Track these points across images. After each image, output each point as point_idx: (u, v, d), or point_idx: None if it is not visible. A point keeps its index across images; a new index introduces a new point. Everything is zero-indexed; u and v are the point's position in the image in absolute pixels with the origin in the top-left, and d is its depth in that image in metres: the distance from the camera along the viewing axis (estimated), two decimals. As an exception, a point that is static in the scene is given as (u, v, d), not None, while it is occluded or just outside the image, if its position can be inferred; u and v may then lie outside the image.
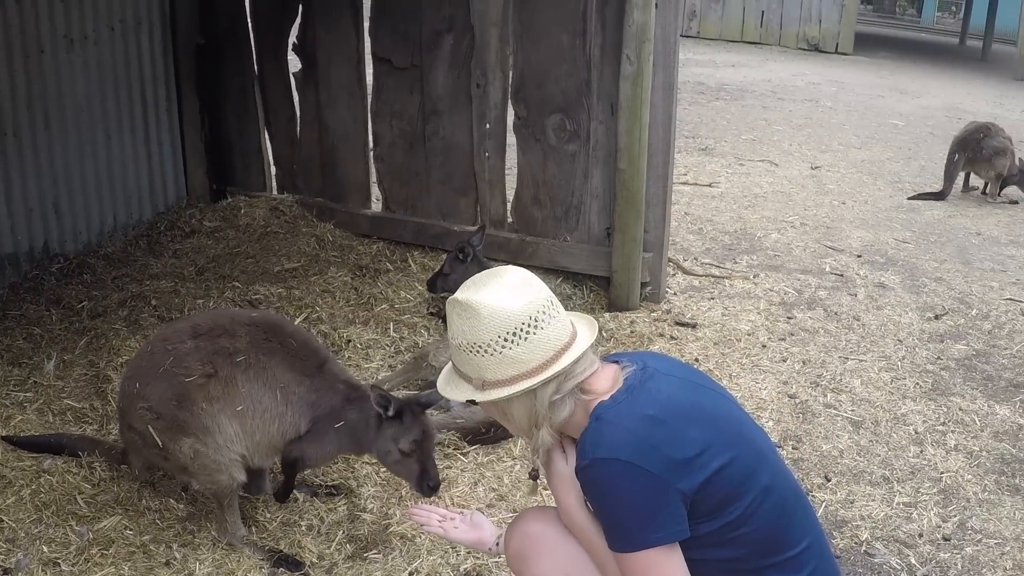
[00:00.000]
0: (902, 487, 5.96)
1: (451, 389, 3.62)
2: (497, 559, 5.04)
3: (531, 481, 3.85)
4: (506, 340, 3.36)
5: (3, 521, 5.23)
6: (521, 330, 3.37)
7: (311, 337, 5.26)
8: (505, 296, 3.40)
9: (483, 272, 3.56)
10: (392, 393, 4.84)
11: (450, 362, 3.66)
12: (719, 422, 3.47)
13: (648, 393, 3.41)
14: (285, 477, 5.25)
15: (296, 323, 7.18)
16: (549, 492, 3.74)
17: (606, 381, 3.51)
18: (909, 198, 12.76)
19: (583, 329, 3.58)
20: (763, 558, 3.44)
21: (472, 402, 3.62)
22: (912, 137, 16.51)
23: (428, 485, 4.69)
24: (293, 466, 5.15)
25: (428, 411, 5.00)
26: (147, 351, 5.17)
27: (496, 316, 3.37)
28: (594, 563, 3.61)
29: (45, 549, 5.05)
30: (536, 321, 3.39)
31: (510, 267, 3.57)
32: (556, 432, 3.53)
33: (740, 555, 3.42)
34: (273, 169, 9.90)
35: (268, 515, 5.48)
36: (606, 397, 3.42)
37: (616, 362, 3.61)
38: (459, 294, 3.47)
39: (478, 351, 3.40)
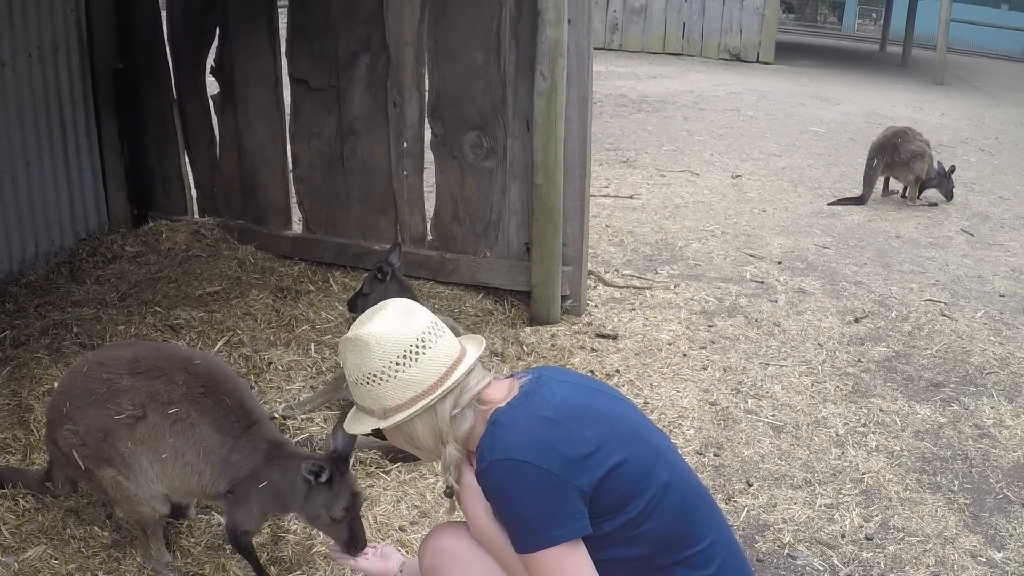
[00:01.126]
0: (824, 489, 6.04)
1: (356, 425, 3.75)
2: None
3: (448, 499, 3.90)
4: (398, 364, 3.51)
5: None
6: (411, 352, 3.52)
7: (248, 395, 5.20)
8: (390, 324, 3.56)
9: (369, 309, 3.71)
10: (320, 458, 4.76)
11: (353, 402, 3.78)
12: (613, 422, 3.59)
13: (542, 397, 3.53)
14: (246, 560, 5.16)
15: (218, 347, 7.21)
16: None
17: (502, 391, 3.64)
18: (829, 204, 12.90)
19: (471, 345, 3.73)
20: (668, 555, 3.53)
21: (379, 434, 3.74)
22: (832, 143, 16.69)
23: (355, 547, 4.64)
24: (236, 543, 5.08)
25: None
26: (82, 371, 5.11)
27: (385, 343, 3.52)
28: (505, 573, 3.69)
29: None
30: (423, 342, 3.54)
31: (392, 299, 3.74)
32: (462, 447, 3.63)
33: (645, 553, 3.51)
34: (194, 193, 9.84)
35: (192, 540, 5.48)
36: (503, 404, 3.54)
37: (512, 376, 3.73)
38: (349, 332, 3.63)
39: (374, 380, 3.54)
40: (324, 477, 4.67)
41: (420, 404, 3.53)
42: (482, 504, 3.63)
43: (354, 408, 3.78)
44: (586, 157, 8.09)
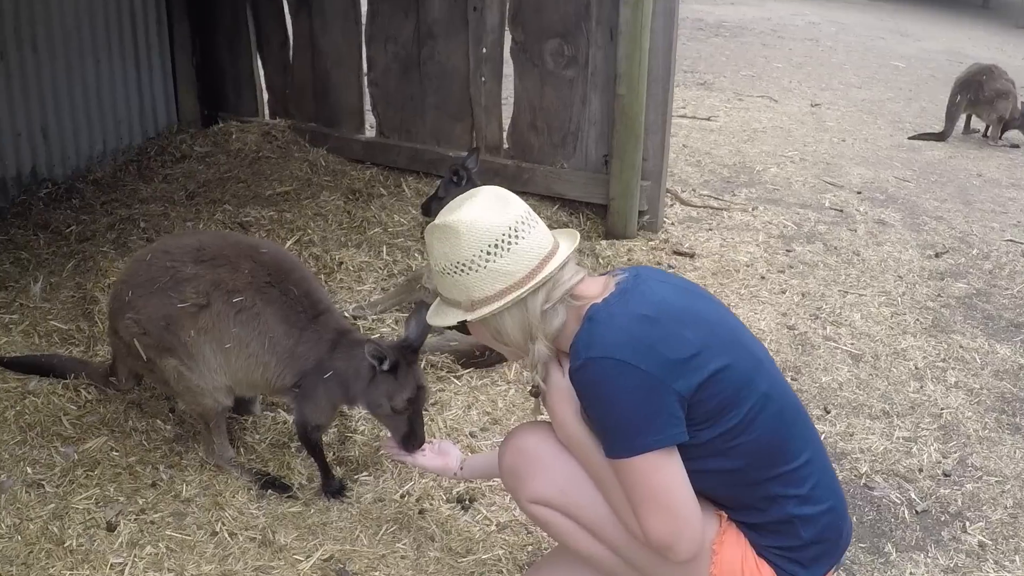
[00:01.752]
0: (902, 422, 5.88)
1: (440, 317, 3.57)
2: (489, 483, 5.00)
3: (534, 399, 3.71)
4: (489, 253, 3.31)
5: None
6: (503, 241, 3.32)
7: (315, 285, 5.06)
8: (482, 211, 3.36)
9: (458, 196, 3.51)
10: (385, 344, 4.61)
11: (437, 293, 3.60)
12: (714, 326, 3.38)
13: (641, 295, 3.33)
14: (312, 457, 5.04)
15: (288, 246, 7.09)
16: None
17: (596, 288, 3.45)
18: (910, 138, 12.64)
19: (564, 239, 3.53)
20: (763, 470, 3.36)
21: (463, 328, 3.56)
22: (912, 79, 16.37)
23: (412, 444, 4.51)
24: (306, 439, 4.96)
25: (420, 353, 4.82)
26: (146, 259, 4.99)
27: (476, 230, 3.32)
28: (591, 478, 3.52)
29: (29, 470, 4.95)
30: (516, 231, 3.34)
31: (483, 187, 3.53)
32: (551, 344, 3.45)
33: (740, 466, 3.34)
34: (265, 95, 9.76)
35: (257, 436, 5.39)
36: (598, 300, 3.34)
37: (607, 273, 3.55)
38: (437, 219, 3.43)
39: (462, 269, 3.35)
40: (386, 364, 4.53)
41: (511, 296, 3.34)
42: (570, 405, 3.46)
43: (438, 300, 3.60)
44: (670, 70, 7.89)
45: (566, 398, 3.46)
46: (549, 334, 3.41)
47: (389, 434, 4.69)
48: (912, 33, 21.26)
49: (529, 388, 3.64)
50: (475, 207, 3.36)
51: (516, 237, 3.32)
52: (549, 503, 3.61)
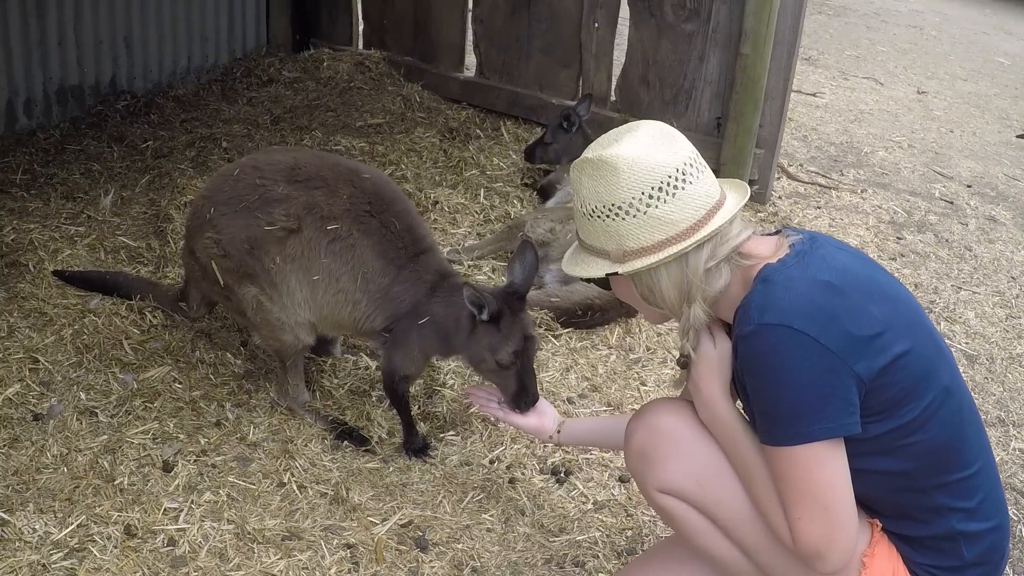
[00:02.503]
0: (1018, 432, 5.55)
1: (580, 267, 3.14)
2: (586, 454, 4.71)
3: (680, 370, 3.29)
4: (651, 197, 2.89)
5: (39, 362, 4.91)
6: (668, 184, 2.89)
7: (418, 220, 4.69)
8: (646, 148, 2.92)
9: (614, 129, 3.07)
10: (485, 290, 4.22)
11: (575, 239, 3.19)
12: (898, 304, 2.97)
13: (822, 259, 2.92)
14: (396, 410, 4.72)
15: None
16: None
17: (767, 247, 3.02)
18: (1018, 136, 12.16)
19: (732, 189, 3.09)
20: (932, 476, 2.97)
21: (603, 282, 3.17)
22: (1019, 76, 15.92)
23: (525, 402, 4.11)
24: (392, 390, 4.62)
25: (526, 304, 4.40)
26: (233, 175, 4.63)
27: (638, 170, 2.89)
28: (734, 468, 3.12)
29: (83, 396, 4.74)
30: (684, 175, 2.91)
31: (644, 121, 3.08)
32: (709, 308, 3.03)
33: (907, 469, 2.95)
34: (361, 24, 9.49)
35: (335, 381, 5.11)
36: (773, 260, 2.91)
37: (778, 233, 3.10)
38: (589, 152, 3.00)
39: (618, 213, 2.93)
40: (486, 314, 4.15)
41: (672, 249, 2.91)
42: (719, 381, 3.09)
43: (576, 246, 3.19)
44: (797, 33, 7.48)
45: (715, 372, 3.10)
46: (709, 296, 3.00)
47: (478, 383, 4.40)
48: (1016, 32, 20.75)
49: (678, 358, 3.22)
50: (638, 142, 2.93)
51: (683, 181, 2.89)
52: (681, 494, 3.22)
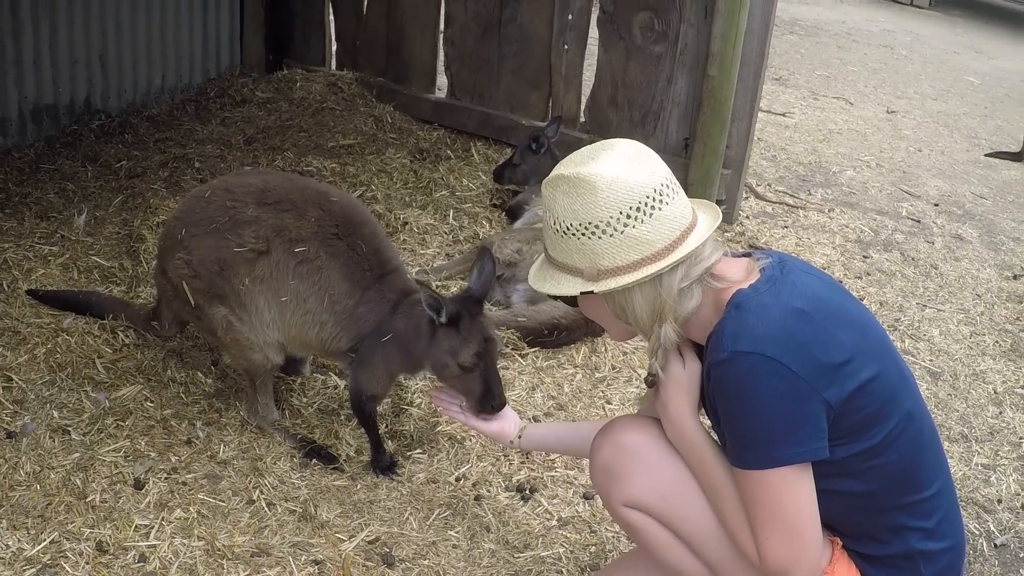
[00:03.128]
0: (981, 447, 5.63)
1: (552, 284, 3.14)
2: (551, 471, 4.77)
3: (648, 389, 3.31)
4: (628, 217, 2.92)
5: (12, 380, 4.94)
6: (646, 204, 2.92)
7: (386, 242, 4.74)
8: (624, 167, 2.95)
9: (587, 147, 3.11)
10: (443, 295, 4.31)
11: (542, 255, 3.22)
12: (865, 330, 3.04)
13: (792, 285, 2.96)
14: (364, 428, 4.75)
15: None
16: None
17: (739, 270, 3.06)
18: (986, 155, 12.27)
19: (703, 210, 3.13)
20: (893, 497, 3.04)
21: (571, 301, 3.23)
22: (988, 96, 16.04)
23: (491, 405, 4.13)
24: (359, 409, 4.67)
25: (486, 308, 4.48)
26: (204, 196, 4.69)
27: (616, 189, 2.91)
28: (702, 486, 3.18)
29: (56, 414, 4.77)
30: (660, 195, 2.94)
31: (618, 139, 3.12)
32: (680, 329, 3.07)
33: (871, 490, 3.01)
34: (334, 45, 9.54)
35: (304, 400, 5.16)
36: (744, 285, 2.97)
37: (748, 255, 3.14)
38: (564, 170, 3.02)
39: (594, 232, 2.95)
40: (444, 316, 4.19)
41: (647, 270, 2.95)
42: (688, 401, 3.16)
43: (547, 262, 3.20)
44: (764, 54, 7.57)
45: (684, 392, 3.16)
46: (680, 317, 3.05)
47: (442, 385, 4.39)
48: (986, 50, 20.88)
49: (645, 376, 3.27)
50: (615, 161, 2.97)
51: (660, 202, 2.94)
52: (646, 509, 3.26)
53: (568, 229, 2.99)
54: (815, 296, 2.97)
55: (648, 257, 2.94)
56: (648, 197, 2.91)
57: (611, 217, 2.91)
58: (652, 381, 3.22)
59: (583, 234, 2.96)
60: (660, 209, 2.92)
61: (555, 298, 3.25)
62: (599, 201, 2.91)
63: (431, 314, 4.21)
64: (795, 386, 2.80)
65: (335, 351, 4.66)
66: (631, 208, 2.90)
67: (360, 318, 4.54)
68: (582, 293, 3.07)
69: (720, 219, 3.12)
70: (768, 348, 2.80)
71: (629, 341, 5.66)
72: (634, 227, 2.91)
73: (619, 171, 2.92)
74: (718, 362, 2.89)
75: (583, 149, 3.10)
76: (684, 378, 3.14)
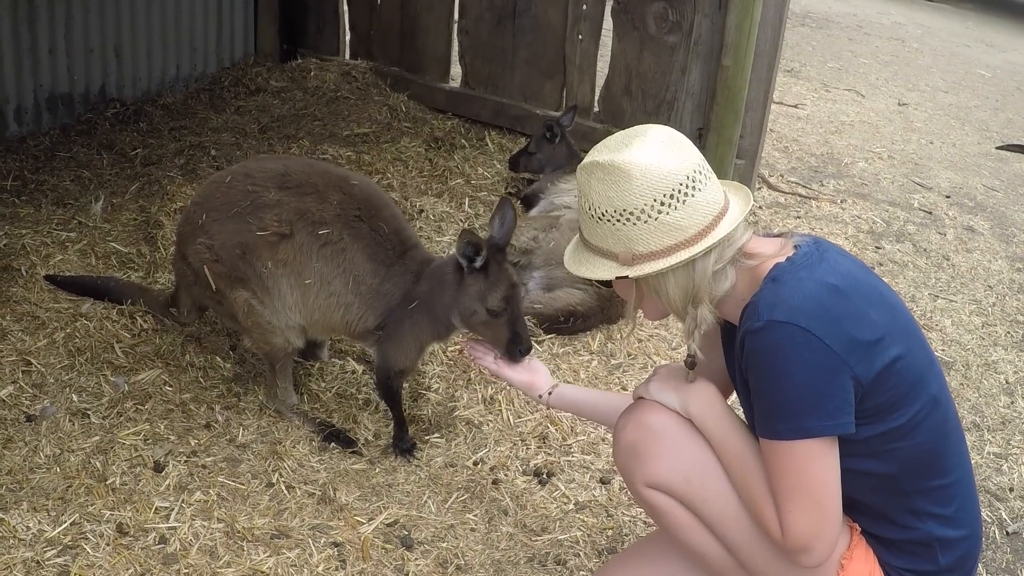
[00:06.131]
0: (992, 436, 5.65)
1: (588, 267, 3.17)
2: (568, 456, 4.79)
3: (687, 371, 3.34)
4: (663, 204, 2.94)
5: (32, 364, 4.96)
6: (679, 192, 2.93)
7: (405, 224, 4.76)
8: (657, 154, 2.96)
9: (619, 133, 3.11)
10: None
11: (577, 238, 3.25)
12: (896, 311, 3.06)
13: (828, 263, 2.99)
14: (389, 406, 4.79)
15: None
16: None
17: (771, 246, 3.09)
18: (997, 147, 12.25)
19: (735, 192, 3.17)
20: (914, 480, 3.06)
21: (604, 282, 3.24)
22: (999, 89, 16.02)
23: (519, 351, 4.14)
24: (386, 387, 4.69)
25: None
26: (225, 181, 4.70)
27: (652, 176, 2.93)
28: (726, 461, 3.21)
29: (75, 398, 4.79)
30: (694, 182, 2.96)
31: (651, 125, 3.11)
32: (716, 309, 3.10)
33: (892, 472, 3.03)
34: (348, 34, 9.53)
35: (323, 384, 5.17)
36: (781, 259, 3.00)
37: (782, 235, 3.19)
38: (598, 156, 3.03)
39: (628, 219, 2.97)
40: (479, 260, 4.21)
41: (681, 255, 2.98)
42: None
43: (581, 244, 3.22)
44: (777, 46, 7.59)
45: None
46: (715, 297, 3.08)
47: (473, 337, 4.41)
48: (997, 44, 20.84)
49: (685, 358, 3.28)
50: (650, 149, 2.97)
51: (693, 188, 2.96)
52: (669, 490, 3.28)
53: (603, 215, 3.01)
54: (850, 275, 2.99)
55: (682, 242, 2.96)
56: (682, 184, 2.93)
57: (646, 204, 2.93)
58: (692, 362, 3.24)
59: (618, 220, 2.98)
60: (693, 196, 2.94)
61: (591, 281, 3.26)
62: (634, 189, 2.93)
63: (466, 259, 4.22)
64: (828, 359, 2.82)
65: (361, 332, 4.67)
66: (665, 195, 2.92)
67: (386, 294, 4.57)
68: (617, 278, 3.09)
69: (752, 202, 3.14)
70: (803, 319, 2.83)
71: (642, 328, 5.70)
72: (668, 214, 2.93)
73: (653, 158, 2.93)
74: (753, 331, 2.91)
75: (617, 135, 3.10)
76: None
